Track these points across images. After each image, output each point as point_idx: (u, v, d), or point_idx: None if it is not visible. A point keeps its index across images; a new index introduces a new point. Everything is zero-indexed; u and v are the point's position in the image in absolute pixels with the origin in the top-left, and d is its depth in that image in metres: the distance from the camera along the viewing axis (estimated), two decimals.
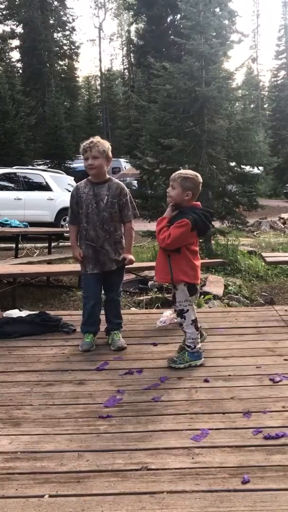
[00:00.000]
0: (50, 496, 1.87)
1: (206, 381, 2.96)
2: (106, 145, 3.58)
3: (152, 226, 8.55)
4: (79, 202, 3.62)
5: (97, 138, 3.59)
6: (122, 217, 3.66)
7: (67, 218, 12.80)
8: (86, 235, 3.61)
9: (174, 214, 3.18)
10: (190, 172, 3.23)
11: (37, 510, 1.79)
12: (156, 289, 5.92)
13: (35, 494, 1.88)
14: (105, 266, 3.63)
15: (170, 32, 29.26)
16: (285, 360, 3.28)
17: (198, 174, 3.23)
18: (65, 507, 1.80)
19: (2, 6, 42.65)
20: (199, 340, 3.31)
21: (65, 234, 11.73)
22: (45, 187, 12.99)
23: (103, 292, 3.82)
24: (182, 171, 3.28)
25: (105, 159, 3.55)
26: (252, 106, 39.29)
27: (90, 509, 1.78)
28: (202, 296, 5.36)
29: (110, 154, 3.61)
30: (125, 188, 3.71)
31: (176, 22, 28.82)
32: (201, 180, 3.23)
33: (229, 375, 3.04)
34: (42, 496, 1.87)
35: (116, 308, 3.82)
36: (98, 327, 3.77)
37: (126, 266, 3.80)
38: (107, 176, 3.66)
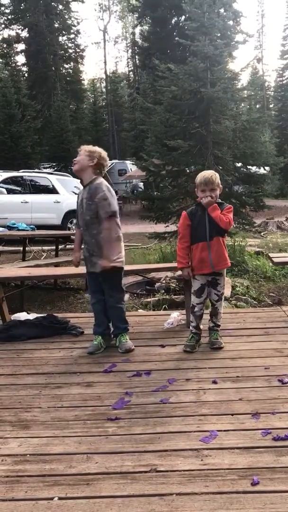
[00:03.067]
0: (60, 498, 1.87)
1: (214, 382, 2.95)
2: (93, 147, 3.67)
3: (158, 228, 8.55)
4: (77, 207, 3.75)
5: (98, 148, 3.71)
6: (100, 218, 3.55)
7: (74, 221, 12.91)
8: (84, 238, 3.71)
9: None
10: (211, 172, 3.62)
11: None
12: (163, 291, 5.91)
13: (44, 496, 1.89)
14: (93, 267, 3.64)
15: (174, 33, 29.28)
16: None
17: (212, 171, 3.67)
18: (74, 509, 1.80)
19: (7, 11, 42.86)
20: None
21: (71, 236, 11.75)
22: (52, 190, 13.02)
23: None
24: (208, 173, 3.60)
25: (88, 157, 3.59)
26: (257, 106, 39.12)
27: (100, 511, 1.78)
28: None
29: (98, 156, 3.62)
30: (100, 186, 3.56)
31: (180, 24, 28.84)
32: None
33: (238, 377, 3.03)
34: (52, 499, 1.87)
35: (117, 314, 3.75)
36: (106, 328, 3.77)
37: (118, 268, 3.65)
38: (92, 177, 3.62)
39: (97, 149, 3.68)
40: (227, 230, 3.60)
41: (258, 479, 1.93)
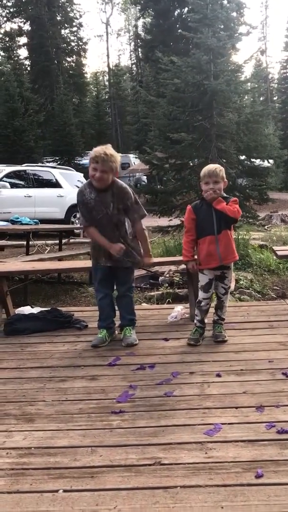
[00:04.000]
0: (64, 491, 1.88)
1: (218, 375, 2.95)
2: (118, 160, 3.49)
3: (162, 222, 8.54)
4: (87, 207, 3.58)
5: (110, 150, 3.47)
6: (131, 220, 3.64)
7: (78, 215, 12.90)
8: (102, 235, 3.62)
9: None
10: (217, 165, 3.60)
11: (51, 504, 1.80)
12: (166, 285, 5.91)
13: (49, 489, 1.90)
14: (118, 263, 3.64)
15: (177, 26, 29.08)
16: None
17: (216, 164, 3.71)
18: (79, 501, 1.81)
19: (9, 4, 42.70)
20: None
21: (75, 230, 11.75)
22: (55, 184, 13.01)
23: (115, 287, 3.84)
24: (212, 165, 3.59)
25: (111, 173, 3.47)
26: (261, 98, 38.85)
27: (104, 504, 1.79)
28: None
29: (118, 169, 3.54)
30: (129, 191, 3.60)
31: (183, 16, 28.61)
32: None
33: (242, 370, 3.03)
34: (57, 491, 1.88)
35: (128, 304, 3.81)
36: (111, 323, 3.77)
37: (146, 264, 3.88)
38: (111, 180, 3.57)
39: (119, 159, 3.52)
40: (236, 219, 3.57)
41: (262, 471, 1.93)
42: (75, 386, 2.91)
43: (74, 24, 44.69)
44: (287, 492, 1.81)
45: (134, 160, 27.83)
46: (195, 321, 3.73)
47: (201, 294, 3.67)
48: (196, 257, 3.68)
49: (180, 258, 4.02)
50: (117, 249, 3.54)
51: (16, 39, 42.14)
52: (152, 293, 5.67)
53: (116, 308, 3.84)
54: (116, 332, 3.83)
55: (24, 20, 42.50)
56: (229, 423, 2.35)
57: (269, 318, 4.15)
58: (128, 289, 3.79)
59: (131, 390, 2.80)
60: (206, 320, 3.73)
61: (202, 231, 3.57)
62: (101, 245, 3.61)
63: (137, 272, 6.36)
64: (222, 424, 2.33)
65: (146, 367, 3.14)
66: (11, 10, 42.94)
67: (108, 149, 3.47)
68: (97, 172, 3.42)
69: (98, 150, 3.43)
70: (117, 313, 3.84)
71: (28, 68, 40.80)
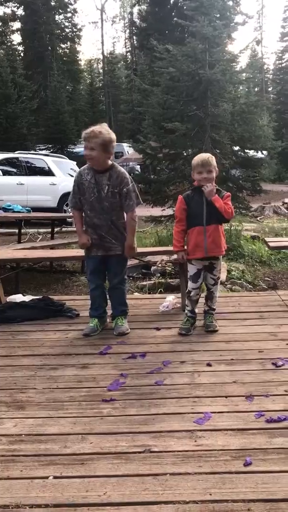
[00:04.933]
0: (55, 477, 1.89)
1: (208, 365, 2.97)
2: (107, 138, 3.42)
3: (155, 211, 8.52)
4: (80, 188, 3.60)
5: (100, 128, 3.44)
6: (123, 207, 3.60)
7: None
8: (90, 222, 3.61)
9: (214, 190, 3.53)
10: (208, 154, 3.60)
11: (41, 491, 1.82)
12: (159, 274, 5.92)
13: (39, 475, 1.91)
14: (109, 251, 3.63)
15: (173, 13, 28.85)
16: (287, 344, 3.29)
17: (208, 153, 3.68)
18: (69, 488, 1.82)
19: None
20: None
21: (68, 219, 11.70)
22: (48, 172, 12.93)
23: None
24: (204, 154, 3.61)
25: (102, 152, 3.43)
26: (256, 89, 38.62)
27: (94, 490, 1.81)
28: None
29: (110, 146, 3.46)
30: (127, 177, 3.60)
31: (179, 4, 28.38)
32: None
33: (232, 359, 3.05)
34: (47, 478, 1.89)
35: (119, 296, 3.78)
36: (102, 312, 3.77)
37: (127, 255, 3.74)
38: (110, 163, 3.58)
39: (108, 136, 3.44)
40: (228, 220, 3.61)
41: (251, 459, 1.95)
42: (66, 374, 2.92)
43: (68, 10, 44.06)
44: (274, 480, 1.83)
45: (127, 149, 27.66)
46: (185, 311, 3.75)
47: (190, 285, 3.70)
48: (186, 247, 3.69)
49: (172, 248, 4.02)
50: (83, 241, 3.62)
51: (10, 23, 41.49)
52: (144, 283, 5.68)
53: (108, 298, 3.84)
54: (108, 320, 3.83)
55: (18, 5, 41.76)
56: (218, 412, 2.37)
57: (260, 308, 4.18)
58: (120, 281, 3.75)
59: (122, 379, 2.81)
60: (197, 310, 3.75)
61: (192, 222, 3.59)
62: (78, 232, 3.70)
63: (130, 262, 6.37)
64: (212, 412, 2.36)
65: (137, 356, 3.16)
66: None
67: (99, 127, 3.47)
68: (87, 150, 3.46)
69: (87, 129, 3.47)
70: (109, 302, 3.83)
71: (22, 54, 40.26)
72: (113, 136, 3.51)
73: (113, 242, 3.61)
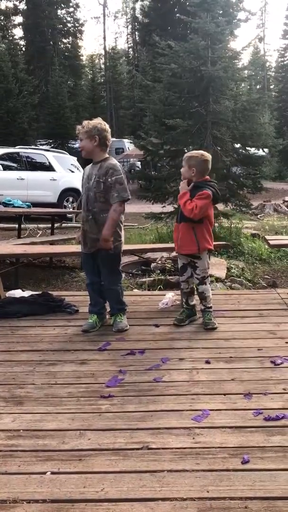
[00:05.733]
0: (52, 473, 1.90)
1: (207, 362, 2.97)
2: (91, 125, 3.48)
3: (155, 208, 8.51)
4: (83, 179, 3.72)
5: (93, 121, 3.55)
6: (108, 198, 3.50)
7: (70, 199, 12.82)
8: (82, 216, 3.69)
9: (189, 188, 3.56)
10: (195, 151, 3.67)
11: (39, 486, 1.82)
12: (158, 271, 5.92)
13: (37, 471, 1.91)
14: (93, 246, 3.57)
15: (176, 9, 28.75)
16: (286, 342, 3.29)
17: (203, 153, 3.65)
18: (66, 483, 1.83)
19: None
20: None
21: (68, 215, 11.68)
22: (48, 167, 12.90)
23: None
24: (191, 152, 3.73)
25: (89, 139, 3.48)
26: (258, 87, 38.62)
27: (91, 486, 1.81)
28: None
29: (97, 133, 3.47)
30: (117, 169, 3.51)
31: (182, 0, 28.25)
32: (206, 158, 3.59)
33: (231, 357, 3.06)
34: (44, 473, 1.89)
35: (114, 296, 3.70)
36: (101, 308, 3.77)
37: (114, 248, 3.56)
38: (105, 156, 3.57)
39: (94, 123, 3.50)
40: (190, 218, 3.48)
41: (249, 457, 1.96)
42: (65, 370, 2.92)
43: (70, 4, 43.85)
44: (272, 478, 1.84)
45: (128, 145, 27.62)
46: (183, 303, 3.86)
47: (179, 277, 3.87)
48: None
49: (172, 245, 4.05)
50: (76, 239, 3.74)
51: (11, 18, 41.34)
52: (144, 280, 5.67)
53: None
54: (107, 317, 3.83)
55: None
56: (217, 410, 2.37)
57: (259, 306, 4.18)
58: (111, 282, 3.65)
59: (120, 375, 2.81)
60: (193, 303, 3.82)
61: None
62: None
63: (129, 259, 6.37)
64: (210, 410, 2.36)
65: (136, 353, 3.16)
66: None
67: (96, 119, 3.60)
68: (79, 143, 3.59)
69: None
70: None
71: (23, 49, 40.11)
72: (101, 125, 3.52)
73: (91, 236, 3.56)
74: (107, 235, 3.46)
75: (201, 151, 3.72)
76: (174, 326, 3.67)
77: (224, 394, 2.55)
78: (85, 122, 3.55)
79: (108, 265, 3.62)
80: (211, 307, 3.76)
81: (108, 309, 3.82)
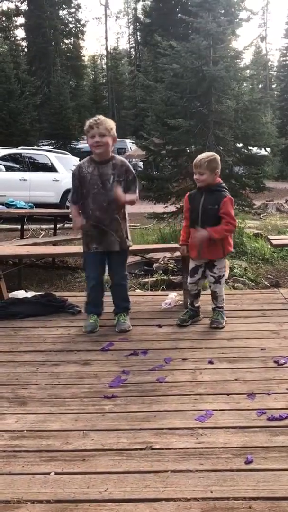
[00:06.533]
0: (56, 473, 1.90)
1: (210, 362, 2.97)
2: (112, 123, 3.52)
3: (157, 208, 8.50)
4: (82, 182, 3.57)
5: (108, 119, 3.52)
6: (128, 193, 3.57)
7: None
8: (92, 215, 3.56)
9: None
10: (205, 155, 3.55)
11: (43, 486, 1.82)
12: (161, 271, 5.92)
13: (41, 471, 1.92)
14: (110, 246, 3.60)
15: (177, 9, 28.68)
16: None
17: (214, 153, 3.62)
18: (70, 484, 1.83)
19: None
20: None
21: (70, 215, 11.68)
22: (51, 168, 12.92)
23: (107, 274, 3.82)
24: (201, 155, 3.57)
25: (111, 137, 3.47)
26: (260, 86, 38.63)
27: (95, 487, 1.81)
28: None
29: (115, 133, 3.54)
30: (130, 166, 3.63)
31: (183, 0, 28.23)
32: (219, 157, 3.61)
33: (234, 357, 3.05)
34: (48, 474, 1.90)
35: (122, 292, 3.77)
36: (101, 309, 3.77)
37: (126, 246, 3.68)
38: (111, 154, 3.59)
39: (112, 122, 3.52)
40: (216, 223, 3.50)
41: (252, 457, 1.96)
42: (68, 370, 2.93)
43: (72, 5, 43.98)
44: (276, 478, 1.83)
45: (130, 145, 27.59)
46: (188, 304, 3.84)
47: (188, 278, 3.78)
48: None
49: (174, 245, 4.04)
50: (77, 223, 3.59)
51: (13, 19, 41.44)
52: (147, 280, 5.68)
53: (108, 293, 3.84)
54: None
55: (21, 0, 41.74)
56: (220, 410, 2.37)
57: (262, 306, 4.17)
58: (122, 278, 3.74)
59: (123, 375, 2.81)
60: (198, 305, 3.81)
61: (192, 222, 3.65)
62: (74, 216, 3.66)
63: (131, 259, 6.37)
64: (214, 410, 2.36)
65: (139, 353, 3.16)
66: None
67: (99, 115, 3.54)
68: (95, 137, 3.41)
69: (89, 120, 3.50)
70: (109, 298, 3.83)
71: (25, 50, 40.21)
72: (112, 121, 3.55)
73: (114, 235, 3.58)
74: (125, 198, 3.51)
75: (210, 153, 3.67)
76: (177, 326, 3.67)
77: (228, 394, 2.54)
78: (101, 118, 3.47)
79: (121, 262, 3.71)
80: (222, 307, 3.74)
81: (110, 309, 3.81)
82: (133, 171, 3.64)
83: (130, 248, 3.80)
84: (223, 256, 3.67)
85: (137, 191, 3.63)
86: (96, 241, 3.61)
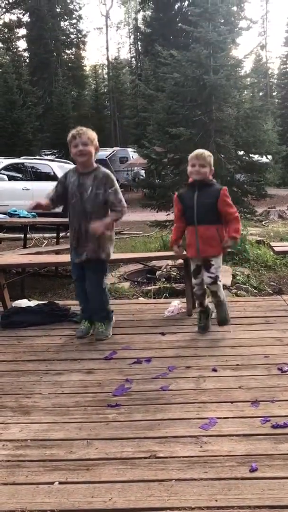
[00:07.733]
0: (60, 483, 1.89)
1: (214, 370, 2.97)
2: (94, 134, 3.57)
3: (159, 216, 8.54)
4: (64, 190, 3.61)
5: (89, 130, 3.58)
6: (105, 209, 3.52)
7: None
8: (72, 226, 3.61)
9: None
10: (200, 150, 3.56)
11: (47, 496, 1.82)
12: (164, 279, 5.92)
13: (45, 481, 1.91)
14: (84, 254, 3.55)
15: (177, 19, 28.88)
16: None
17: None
18: (74, 493, 1.82)
19: None
20: None
21: None
22: (53, 177, 12.96)
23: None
24: (200, 150, 3.57)
25: (93, 147, 3.51)
26: (260, 94, 38.83)
27: (99, 496, 1.80)
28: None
29: (97, 143, 3.56)
30: (113, 178, 3.56)
31: (183, 9, 28.47)
32: None
33: (237, 365, 3.05)
34: (52, 483, 1.89)
35: (95, 301, 3.66)
36: (91, 314, 3.76)
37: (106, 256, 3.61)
38: (94, 165, 3.57)
39: (94, 134, 3.58)
40: (213, 219, 3.52)
41: (257, 465, 1.95)
42: (72, 379, 2.92)
43: (73, 16, 44.46)
44: (280, 486, 1.82)
45: (132, 154, 27.76)
46: (196, 305, 3.81)
47: (192, 280, 3.77)
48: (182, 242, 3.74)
49: None
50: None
51: (15, 30, 41.89)
52: (149, 288, 5.67)
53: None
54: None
55: (24, 11, 42.21)
56: (224, 418, 2.36)
57: (266, 313, 4.17)
58: (93, 285, 3.62)
59: (127, 384, 2.81)
60: (207, 303, 3.78)
61: (187, 220, 3.60)
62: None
63: (134, 267, 6.38)
64: (218, 418, 2.35)
65: (143, 361, 3.16)
66: (11, 0, 42.62)
67: (83, 128, 3.58)
68: (78, 146, 3.46)
69: (72, 131, 3.55)
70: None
71: (27, 60, 40.58)
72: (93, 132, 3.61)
73: (90, 247, 3.52)
74: (108, 223, 3.48)
75: (202, 149, 3.65)
76: (199, 333, 3.67)
77: (231, 402, 2.54)
78: (84, 129, 3.54)
79: (92, 269, 3.60)
80: (223, 300, 3.70)
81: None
82: (115, 184, 3.55)
83: (133, 256, 3.80)
84: (222, 253, 3.63)
85: (122, 202, 3.54)
86: (73, 252, 3.63)
